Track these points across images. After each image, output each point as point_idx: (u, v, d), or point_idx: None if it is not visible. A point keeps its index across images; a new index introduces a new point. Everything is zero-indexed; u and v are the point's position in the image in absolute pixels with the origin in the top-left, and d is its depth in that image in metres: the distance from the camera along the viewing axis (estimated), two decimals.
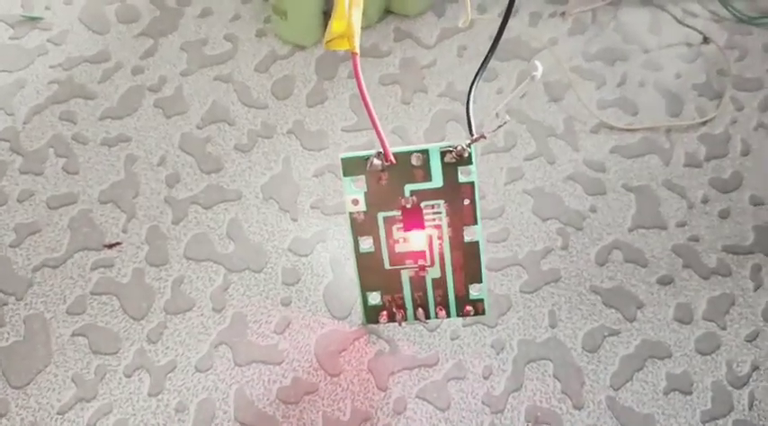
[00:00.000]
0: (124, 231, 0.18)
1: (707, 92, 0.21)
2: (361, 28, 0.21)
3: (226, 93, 0.20)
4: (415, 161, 0.16)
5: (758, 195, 0.20)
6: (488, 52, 0.17)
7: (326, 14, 0.20)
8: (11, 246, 0.17)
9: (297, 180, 0.19)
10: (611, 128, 0.20)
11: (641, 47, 0.22)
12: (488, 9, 0.22)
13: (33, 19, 0.20)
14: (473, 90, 0.17)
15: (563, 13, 0.22)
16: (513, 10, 0.21)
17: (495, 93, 0.21)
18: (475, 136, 0.15)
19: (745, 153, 0.21)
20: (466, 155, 0.15)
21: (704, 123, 0.21)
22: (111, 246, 0.18)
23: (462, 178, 0.16)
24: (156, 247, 0.18)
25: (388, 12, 0.21)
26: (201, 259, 0.18)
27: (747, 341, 0.18)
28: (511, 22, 0.21)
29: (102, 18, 0.21)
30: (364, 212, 0.16)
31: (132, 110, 0.19)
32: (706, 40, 0.22)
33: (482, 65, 0.17)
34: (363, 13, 0.20)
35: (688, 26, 0.22)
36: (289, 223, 0.18)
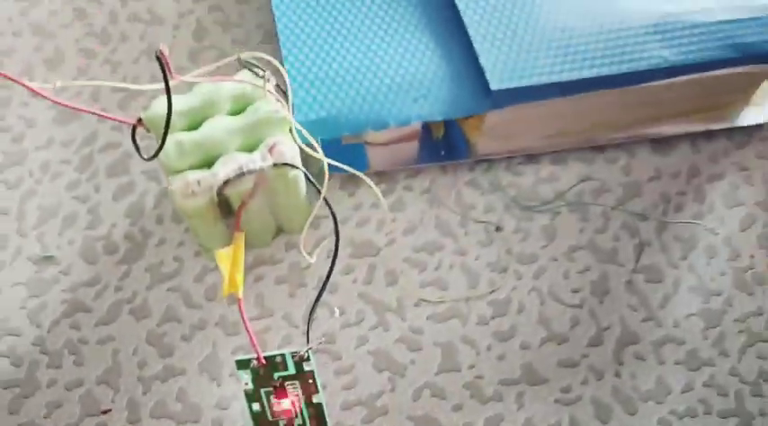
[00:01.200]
0: (113, 401, 0.28)
1: (497, 267, 0.32)
2: (261, 247, 0.31)
3: (176, 300, 0.30)
4: (278, 359, 0.26)
5: (526, 341, 0.30)
6: (328, 273, 0.28)
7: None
8: (44, 417, 0.28)
9: (221, 358, 0.29)
10: (428, 301, 0.31)
11: (453, 239, 0.32)
12: (350, 219, 0.33)
13: (49, 257, 0.31)
14: (314, 310, 0.27)
15: (393, 219, 0.33)
16: (367, 218, 0.32)
17: (351, 282, 0.31)
18: (309, 346, 0.25)
19: (520, 311, 0.31)
20: (306, 356, 0.26)
21: (492, 291, 0.31)
22: (105, 412, 0.28)
23: (306, 368, 0.26)
24: (132, 410, 0.28)
25: (280, 230, 0.32)
26: (161, 416, 0.28)
27: None
28: (363, 229, 0.32)
29: (94, 252, 0.31)
30: (252, 389, 0.26)
31: (116, 317, 0.30)
32: (498, 229, 0.33)
33: (320, 292, 0.27)
34: (262, 239, 0.31)
35: (481, 221, 0.33)
36: (215, 388, 0.29)
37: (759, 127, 0.36)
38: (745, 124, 0.35)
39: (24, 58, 0.36)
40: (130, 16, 0.37)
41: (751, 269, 0.32)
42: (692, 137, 0.35)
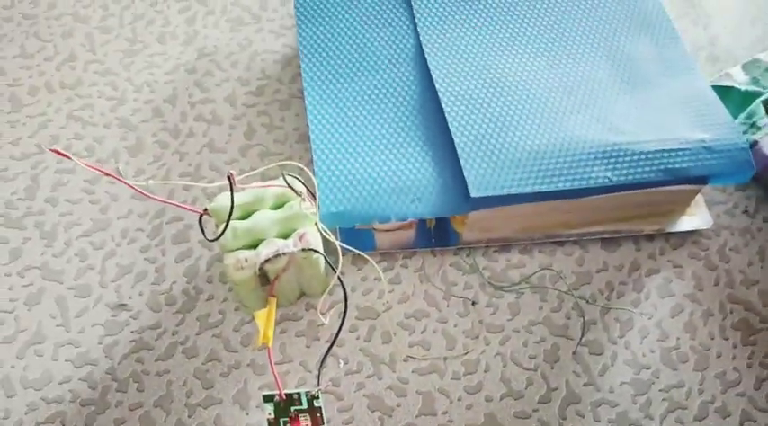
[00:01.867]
0: (165, 421, 0.37)
1: (470, 334, 0.40)
2: (287, 306, 0.40)
3: (218, 344, 0.39)
4: (295, 396, 0.34)
5: (490, 395, 0.38)
6: (337, 330, 0.36)
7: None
8: None
9: (250, 392, 0.37)
10: (414, 358, 0.39)
11: (437, 309, 0.40)
12: (357, 289, 0.41)
13: (122, 305, 0.40)
14: (325, 359, 0.35)
15: (391, 291, 0.41)
16: (370, 288, 0.40)
17: (355, 339, 0.39)
18: (319, 387, 0.34)
19: (487, 370, 0.39)
20: (316, 395, 0.34)
21: (466, 353, 0.39)
22: None
23: (316, 404, 0.34)
24: None
25: (302, 294, 0.40)
26: None
27: None
28: (367, 297, 0.40)
29: (158, 303, 0.40)
30: (274, 418, 0.34)
31: (171, 355, 0.38)
32: (473, 303, 0.41)
33: (330, 345, 0.35)
34: (288, 299, 0.39)
35: (461, 296, 0.41)
36: (245, 415, 0.37)
37: (692, 232, 0.44)
38: (681, 230, 0.43)
39: (112, 146, 0.46)
40: (197, 116, 0.47)
41: (676, 349, 0.40)
42: (636, 238, 0.43)
